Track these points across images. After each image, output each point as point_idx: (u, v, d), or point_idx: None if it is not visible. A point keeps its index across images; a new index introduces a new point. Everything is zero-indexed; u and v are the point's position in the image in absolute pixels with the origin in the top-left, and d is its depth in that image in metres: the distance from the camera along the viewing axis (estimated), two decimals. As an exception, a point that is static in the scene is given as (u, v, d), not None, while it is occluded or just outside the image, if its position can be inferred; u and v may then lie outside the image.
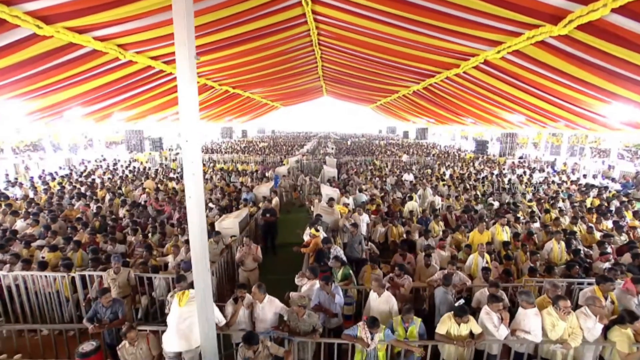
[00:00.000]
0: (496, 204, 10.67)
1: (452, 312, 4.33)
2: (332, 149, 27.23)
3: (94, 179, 14.07)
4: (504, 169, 18.31)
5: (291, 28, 10.77)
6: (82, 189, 11.96)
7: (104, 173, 15.56)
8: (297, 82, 21.25)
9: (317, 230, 6.98)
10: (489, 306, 4.28)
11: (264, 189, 10.75)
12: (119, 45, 8.23)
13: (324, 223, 7.89)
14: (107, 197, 10.95)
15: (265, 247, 8.53)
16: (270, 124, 54.07)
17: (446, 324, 4.26)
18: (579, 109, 9.95)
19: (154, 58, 9.88)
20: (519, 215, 9.20)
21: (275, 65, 14.74)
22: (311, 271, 5.19)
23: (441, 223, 8.92)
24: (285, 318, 4.37)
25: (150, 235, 7.59)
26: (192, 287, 3.91)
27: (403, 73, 13.59)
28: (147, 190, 11.42)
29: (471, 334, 4.23)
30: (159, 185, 12.09)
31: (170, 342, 3.95)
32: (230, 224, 7.41)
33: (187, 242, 6.77)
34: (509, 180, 14.42)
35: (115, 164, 18.27)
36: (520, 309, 4.34)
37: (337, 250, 6.22)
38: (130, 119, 17.48)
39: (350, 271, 5.78)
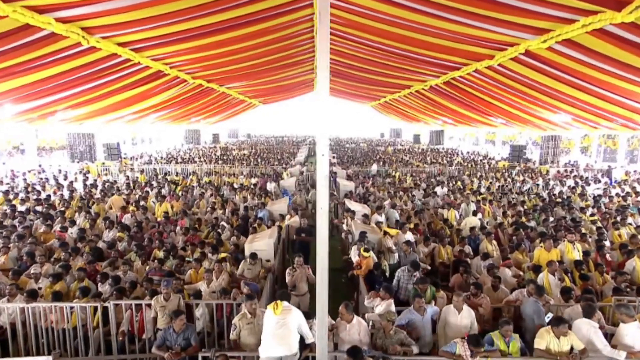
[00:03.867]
0: (550, 220, 11.86)
1: (549, 324, 5.31)
2: (333, 157, 28.32)
3: (49, 196, 14.51)
4: (548, 179, 19.78)
5: (293, 12, 11.52)
6: (39, 208, 12.45)
7: (58, 188, 16.00)
8: (286, 74, 22.14)
9: (367, 251, 7.91)
10: (593, 320, 5.27)
11: (279, 206, 11.62)
12: (84, 29, 8.46)
13: (370, 243, 8.80)
14: (81, 217, 11.52)
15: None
16: (244, 127, 55.13)
17: (545, 339, 5.22)
18: (641, 105, 11.13)
19: (122, 44, 10.43)
20: (583, 231, 10.34)
21: (265, 55, 15.46)
22: (386, 290, 6.09)
23: (494, 242, 9.99)
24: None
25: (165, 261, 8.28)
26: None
27: (420, 65, 14.45)
28: (131, 209, 12.04)
29: (571, 349, 5.20)
30: (143, 203, 12.71)
31: (269, 348, 4.99)
32: (264, 246, 8.23)
33: (220, 261, 7.59)
34: (560, 192, 15.76)
35: (65, 177, 18.64)
36: (620, 324, 5.35)
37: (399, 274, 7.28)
38: (77, 119, 17.84)
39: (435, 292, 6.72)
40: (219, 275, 7.35)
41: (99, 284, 7.33)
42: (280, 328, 5.00)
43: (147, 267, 8.21)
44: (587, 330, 5.33)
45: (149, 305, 6.32)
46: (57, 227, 10.44)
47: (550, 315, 6.41)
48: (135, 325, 6.31)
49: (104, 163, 23.19)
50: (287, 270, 7.28)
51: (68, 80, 11.19)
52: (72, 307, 6.27)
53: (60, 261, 8.42)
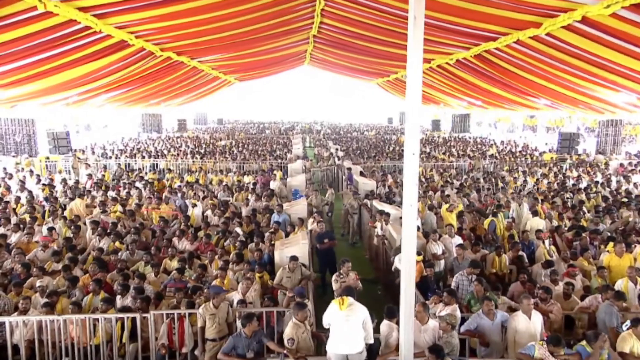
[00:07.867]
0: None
1: (629, 328, 6.71)
2: (337, 149, 29.65)
3: (0, 199, 15.51)
4: (609, 174, 21.33)
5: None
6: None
7: (7, 189, 17.00)
8: (275, 45, 23.17)
9: (419, 254, 9.27)
10: None
11: (298, 209, 12.95)
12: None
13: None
14: (58, 224, 12.64)
15: (323, 281, 11.01)
16: (214, 111, 56.29)
17: (628, 342, 6.62)
18: None
19: (84, 9, 11.20)
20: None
21: (253, 23, 16.30)
22: (450, 294, 7.44)
23: (553, 248, 11.42)
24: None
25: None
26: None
27: (445, 34, 15.21)
28: (117, 214, 13.23)
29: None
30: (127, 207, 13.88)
31: (337, 345, 6.33)
32: (298, 252, 9.49)
33: (253, 270, 8.97)
34: (627, 190, 17.30)
35: (10, 176, 19.52)
36: None
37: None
38: (10, 100, 18.44)
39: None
40: (250, 285, 8.62)
41: (118, 296, 8.55)
42: (345, 325, 6.33)
43: (160, 278, 9.52)
44: None
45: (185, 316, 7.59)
46: (38, 236, 11.60)
47: (628, 323, 7.78)
48: (173, 338, 7.54)
49: (48, 157, 24.01)
50: (334, 277, 8.58)
51: (12, 51, 11.53)
52: (106, 319, 7.46)
53: (56, 273, 9.65)
